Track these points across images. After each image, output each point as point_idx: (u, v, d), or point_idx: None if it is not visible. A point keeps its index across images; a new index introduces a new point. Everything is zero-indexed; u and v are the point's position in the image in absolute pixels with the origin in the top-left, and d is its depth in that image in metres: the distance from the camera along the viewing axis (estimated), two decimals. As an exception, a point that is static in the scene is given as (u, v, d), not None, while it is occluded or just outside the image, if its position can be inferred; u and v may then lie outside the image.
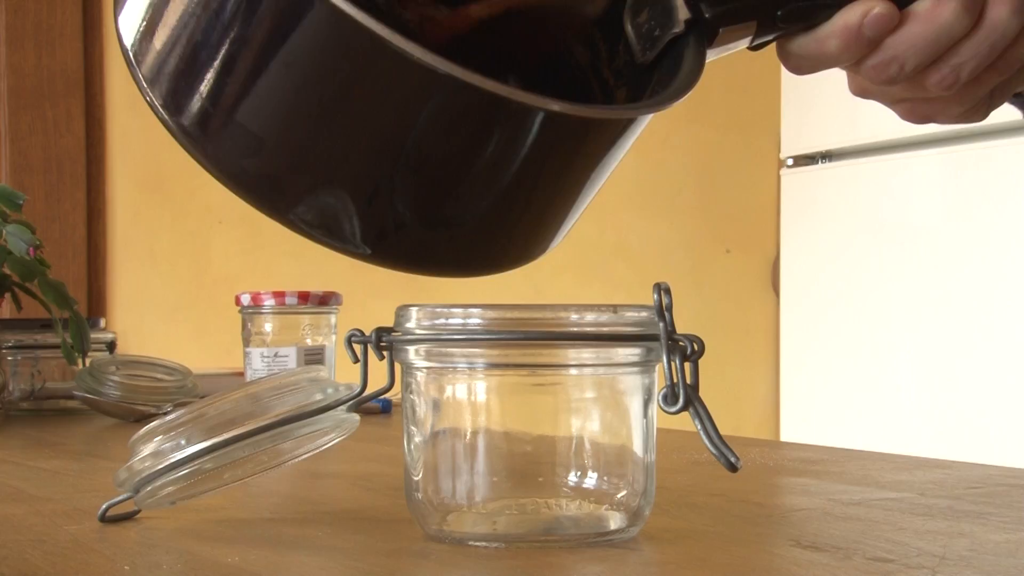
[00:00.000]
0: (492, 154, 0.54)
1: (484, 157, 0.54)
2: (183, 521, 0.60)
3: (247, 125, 0.55)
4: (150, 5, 0.57)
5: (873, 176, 2.25)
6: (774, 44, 0.64)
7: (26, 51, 2.11)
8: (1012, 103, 0.75)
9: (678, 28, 0.60)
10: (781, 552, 0.53)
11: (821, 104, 2.27)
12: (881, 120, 2.18)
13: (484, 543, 0.53)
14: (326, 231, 0.55)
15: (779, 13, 0.62)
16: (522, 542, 0.53)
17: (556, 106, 0.52)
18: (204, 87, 0.55)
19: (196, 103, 0.55)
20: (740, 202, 2.62)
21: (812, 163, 2.38)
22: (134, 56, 0.57)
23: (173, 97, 0.56)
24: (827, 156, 2.36)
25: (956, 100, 0.65)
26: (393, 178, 0.54)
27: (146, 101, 0.56)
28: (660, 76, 0.62)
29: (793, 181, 2.41)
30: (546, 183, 0.57)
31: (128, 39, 0.58)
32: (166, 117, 0.56)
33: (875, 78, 0.63)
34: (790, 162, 2.42)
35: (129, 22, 0.58)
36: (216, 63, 0.54)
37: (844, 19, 0.61)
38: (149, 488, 0.58)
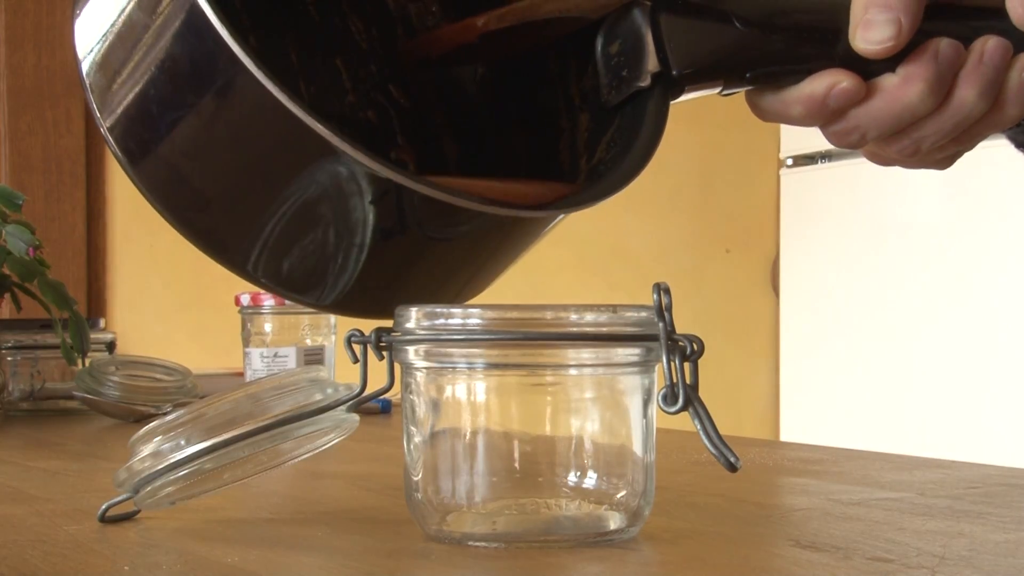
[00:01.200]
0: (424, 232, 0.56)
1: (420, 235, 0.57)
2: (183, 521, 0.60)
3: (193, 183, 0.56)
4: (107, 35, 0.57)
5: (873, 176, 2.25)
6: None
7: (26, 51, 2.11)
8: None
9: (644, 83, 0.60)
10: (781, 552, 0.53)
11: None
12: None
13: (484, 543, 0.53)
14: (263, 281, 0.59)
15: (747, 75, 0.61)
16: (522, 542, 0.53)
17: (484, 207, 0.54)
18: (153, 138, 0.56)
19: (144, 150, 0.57)
20: (740, 202, 2.62)
21: (812, 163, 2.38)
22: (86, 75, 0.58)
23: (122, 134, 0.57)
24: (827, 156, 2.36)
25: (917, 161, 0.65)
26: (319, 247, 0.57)
27: (96, 120, 0.58)
28: (622, 122, 0.62)
29: (793, 181, 2.41)
30: (480, 257, 0.59)
31: (82, 51, 0.58)
32: (116, 149, 0.57)
33: (835, 143, 0.62)
34: (790, 162, 2.42)
35: (85, 37, 0.58)
36: (167, 120, 0.55)
37: (810, 88, 0.60)
38: (149, 488, 0.58)
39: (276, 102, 0.50)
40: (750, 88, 0.62)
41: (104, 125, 0.57)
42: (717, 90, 0.62)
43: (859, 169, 2.28)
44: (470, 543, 0.53)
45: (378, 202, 0.54)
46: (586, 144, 0.65)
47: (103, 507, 0.60)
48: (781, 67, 0.61)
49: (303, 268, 0.58)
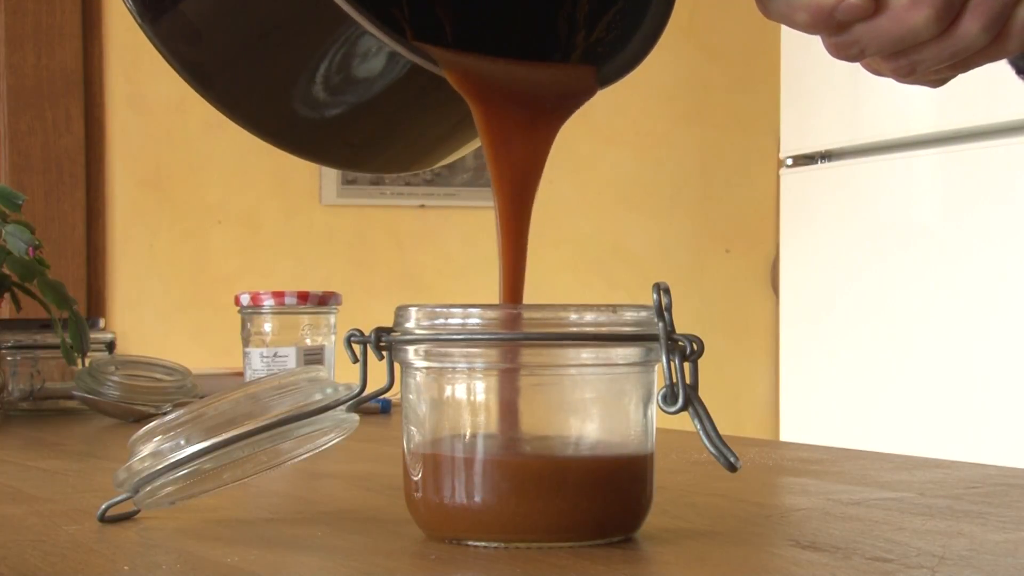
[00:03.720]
0: (404, 89, 0.57)
1: (394, 90, 0.58)
2: (183, 521, 0.60)
3: (188, 15, 0.57)
4: None
5: (873, 176, 2.25)
6: None
7: (26, 51, 2.11)
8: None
9: None
10: (780, 552, 0.53)
11: (821, 104, 2.27)
12: (881, 120, 2.18)
13: (484, 543, 0.53)
14: (241, 117, 0.60)
15: None
16: (522, 542, 0.53)
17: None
18: None
19: None
20: (740, 202, 2.62)
21: (812, 163, 2.38)
22: None
23: None
24: (827, 156, 2.36)
25: (910, 80, 0.66)
26: (304, 86, 0.59)
27: None
28: (627, 4, 0.62)
29: (793, 181, 2.41)
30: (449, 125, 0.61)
31: None
32: None
33: (832, 53, 0.63)
34: (790, 162, 2.41)
35: None
36: None
37: None
38: (148, 488, 0.58)
39: None
40: None
41: None
42: None
43: (859, 169, 2.28)
44: (470, 543, 0.53)
45: (374, 56, 0.55)
46: (586, 18, 0.65)
47: (103, 507, 0.60)
48: None
49: (290, 110, 0.59)
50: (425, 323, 0.54)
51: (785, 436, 2.42)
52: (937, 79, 0.66)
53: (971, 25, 0.60)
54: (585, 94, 0.60)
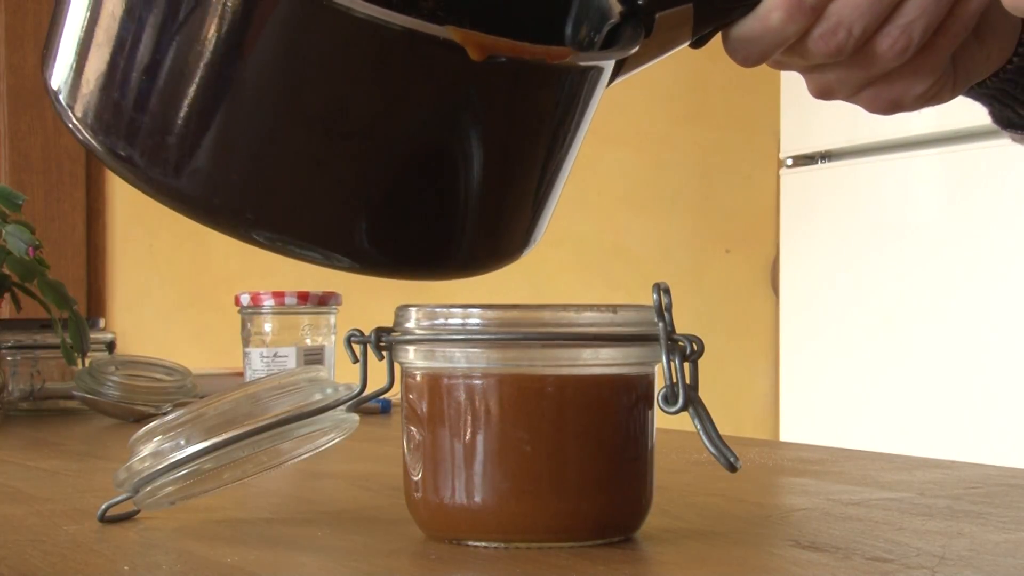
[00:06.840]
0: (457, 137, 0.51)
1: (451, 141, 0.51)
2: (183, 521, 0.60)
3: (216, 161, 0.53)
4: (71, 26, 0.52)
5: (873, 176, 2.25)
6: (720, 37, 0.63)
7: (26, 51, 2.11)
8: (976, 98, 0.73)
9: (614, 19, 0.60)
10: (780, 552, 0.53)
11: (821, 104, 2.27)
12: (881, 120, 2.18)
13: (484, 543, 0.53)
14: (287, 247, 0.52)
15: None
16: (522, 542, 0.53)
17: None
18: (165, 126, 0.51)
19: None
20: (740, 202, 2.62)
21: (812, 163, 2.38)
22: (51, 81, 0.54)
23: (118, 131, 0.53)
24: (827, 156, 2.36)
25: (917, 74, 0.63)
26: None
27: (67, 127, 0.52)
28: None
29: (793, 181, 2.41)
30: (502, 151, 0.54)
31: (47, 72, 0.54)
32: (95, 144, 0.53)
33: (824, 50, 0.60)
34: (790, 162, 2.42)
35: (54, 61, 0.53)
36: (183, 109, 0.50)
37: None
38: (149, 488, 0.58)
39: None
40: (723, 23, 0.61)
41: (75, 118, 0.53)
42: (689, 26, 0.60)
43: (859, 169, 2.28)
44: (470, 543, 0.53)
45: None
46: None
47: (103, 507, 0.60)
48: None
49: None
50: (425, 323, 0.54)
51: (785, 436, 2.42)
52: (947, 70, 0.64)
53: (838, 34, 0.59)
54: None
